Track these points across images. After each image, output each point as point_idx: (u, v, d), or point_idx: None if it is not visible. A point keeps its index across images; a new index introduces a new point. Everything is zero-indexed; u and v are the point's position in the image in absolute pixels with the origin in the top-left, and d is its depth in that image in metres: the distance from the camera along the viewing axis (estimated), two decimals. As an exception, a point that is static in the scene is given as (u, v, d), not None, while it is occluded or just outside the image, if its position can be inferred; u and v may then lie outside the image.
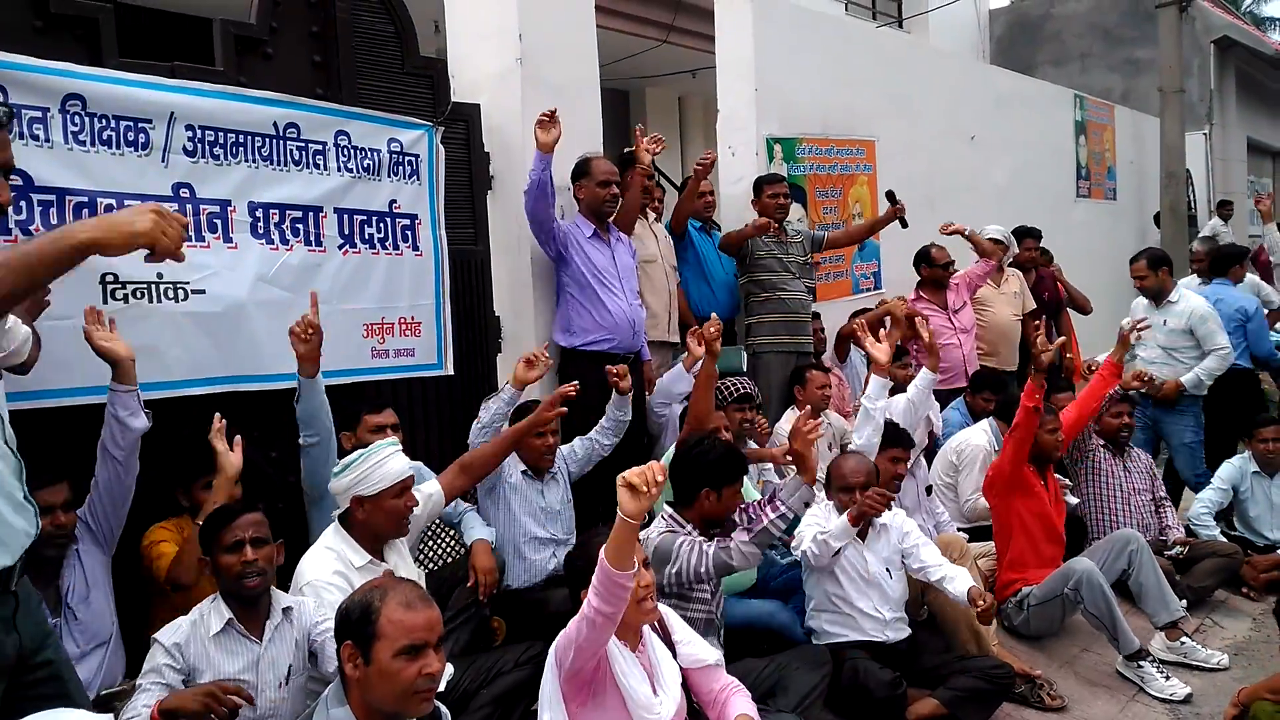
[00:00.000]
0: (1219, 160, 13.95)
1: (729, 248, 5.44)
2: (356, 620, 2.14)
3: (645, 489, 2.28)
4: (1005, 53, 15.10)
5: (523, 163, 4.50)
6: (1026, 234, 7.15)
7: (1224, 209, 12.91)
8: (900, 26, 13.34)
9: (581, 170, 4.53)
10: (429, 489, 3.22)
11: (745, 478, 3.57)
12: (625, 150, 5.11)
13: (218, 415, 3.14)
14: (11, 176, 2.15)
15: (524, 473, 3.84)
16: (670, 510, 3.41)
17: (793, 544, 3.66)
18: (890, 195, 5.80)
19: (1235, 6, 24.19)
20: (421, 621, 2.13)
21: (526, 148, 4.48)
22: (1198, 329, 5.82)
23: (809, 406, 4.41)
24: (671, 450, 3.66)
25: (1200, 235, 12.41)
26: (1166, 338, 5.86)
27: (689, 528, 3.33)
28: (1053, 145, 9.74)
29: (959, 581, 3.58)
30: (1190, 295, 6.04)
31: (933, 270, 6.21)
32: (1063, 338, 6.76)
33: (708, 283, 5.52)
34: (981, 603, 3.42)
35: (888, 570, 3.69)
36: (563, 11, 4.72)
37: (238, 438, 3.15)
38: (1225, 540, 5.25)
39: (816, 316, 5.77)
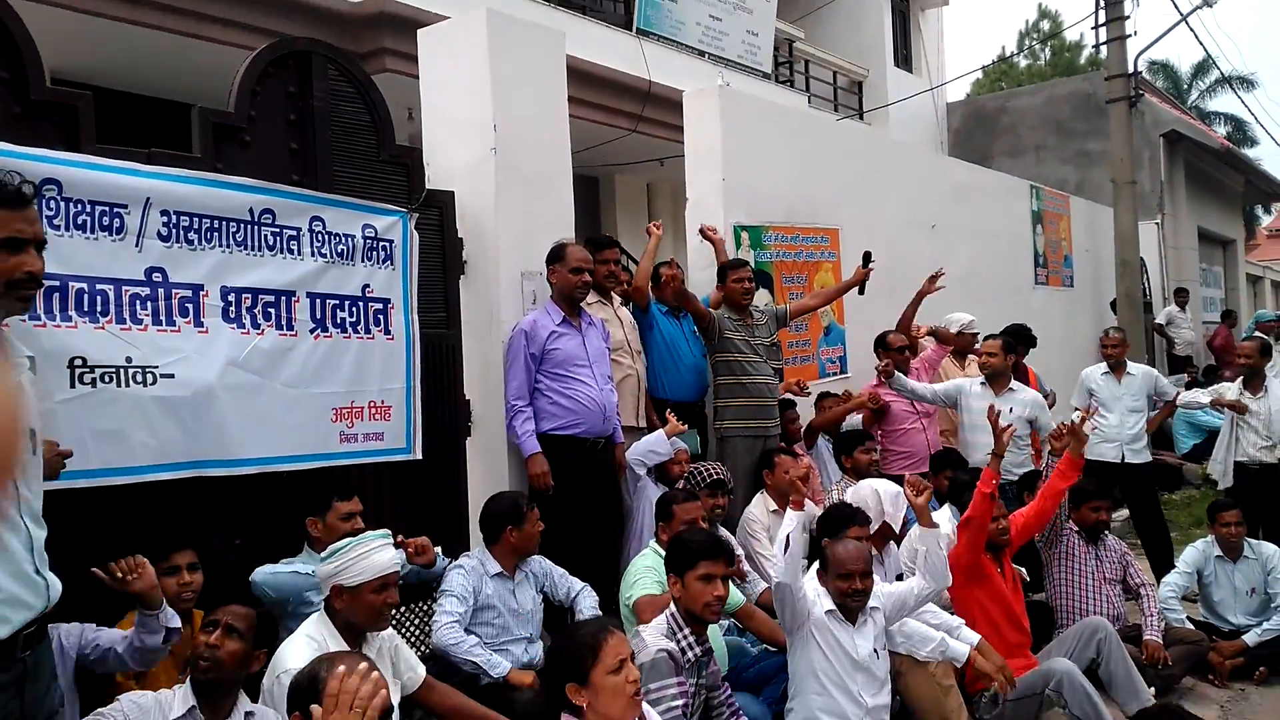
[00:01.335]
0: (1171, 249, 14.40)
1: (690, 310, 5.42)
2: (305, 691, 2.12)
3: None
4: (962, 144, 15.61)
5: (495, 247, 4.58)
6: (1025, 341, 7.05)
7: (1180, 296, 13.32)
8: (861, 119, 13.79)
9: (556, 255, 4.60)
10: (420, 670, 3.16)
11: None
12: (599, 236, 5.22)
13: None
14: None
15: (496, 575, 3.81)
16: (673, 608, 3.37)
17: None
18: (866, 256, 5.97)
19: (1182, 101, 25.27)
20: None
21: (499, 233, 4.57)
22: (1041, 417, 5.95)
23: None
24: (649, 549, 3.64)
25: (1155, 321, 12.78)
26: (1012, 425, 5.88)
27: (685, 630, 3.27)
28: (1011, 234, 10.02)
29: (958, 645, 3.68)
30: (1024, 387, 6.14)
31: (889, 354, 6.31)
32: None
33: (676, 366, 5.56)
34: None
35: (875, 651, 3.67)
36: (537, 104, 4.84)
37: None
38: (1192, 627, 5.28)
39: (792, 405, 5.83)
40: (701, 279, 5.99)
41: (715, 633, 3.91)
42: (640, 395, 5.22)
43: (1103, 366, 6.92)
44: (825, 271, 6.99)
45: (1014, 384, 6.08)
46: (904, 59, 15.24)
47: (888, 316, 6.70)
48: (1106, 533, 5.22)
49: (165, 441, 3.31)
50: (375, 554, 2.86)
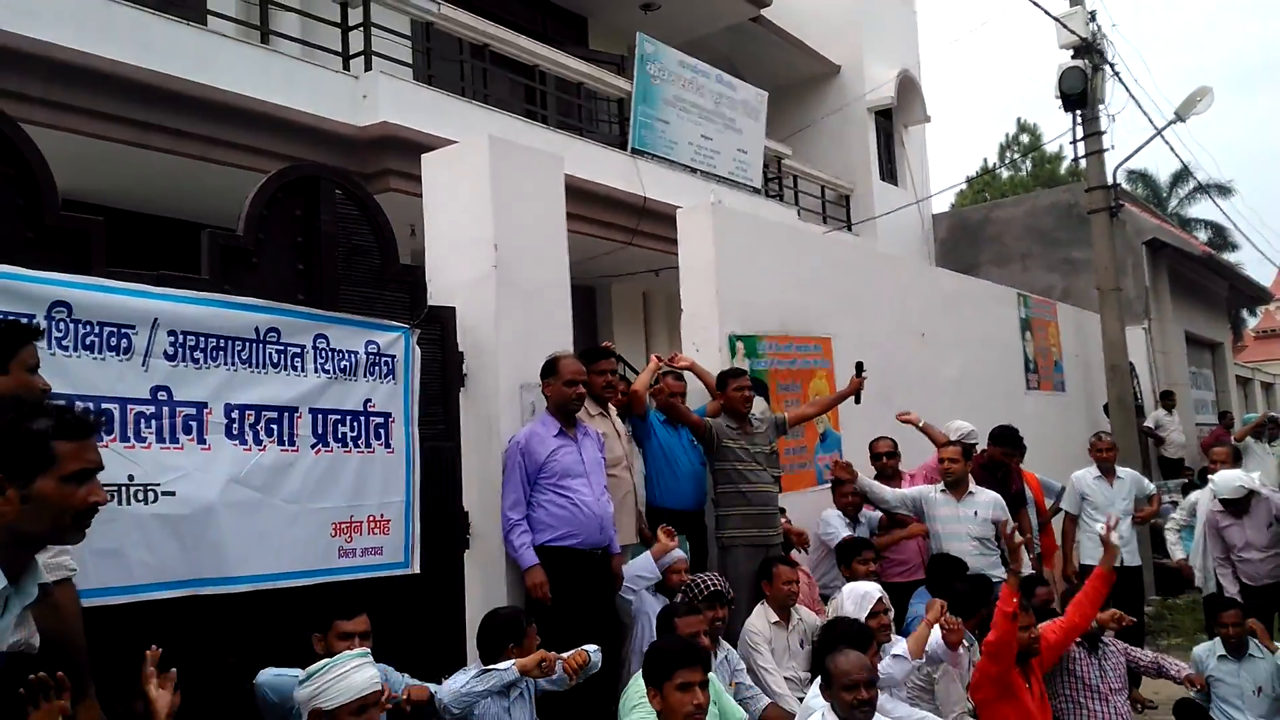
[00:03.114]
0: (1160, 353, 14.54)
1: (683, 422, 5.51)
2: None
3: None
4: (949, 254, 15.91)
5: (495, 361, 4.66)
6: (1001, 440, 6.81)
7: (1167, 400, 13.42)
8: (850, 230, 14.11)
9: (550, 369, 4.67)
10: None
11: (709, 675, 3.48)
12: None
13: (148, 652, 2.75)
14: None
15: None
16: None
17: None
18: (859, 366, 6.16)
19: (1162, 209, 25.90)
20: None
21: (499, 347, 4.65)
22: (1003, 517, 5.92)
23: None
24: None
25: (1145, 425, 12.83)
26: (980, 529, 5.84)
27: None
28: (1001, 341, 10.15)
29: None
30: (982, 490, 6.06)
31: (874, 462, 6.46)
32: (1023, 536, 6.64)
33: (673, 475, 5.57)
34: None
35: None
36: (536, 223, 4.99)
37: (172, 672, 2.74)
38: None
39: (782, 511, 5.81)
40: (699, 386, 6.06)
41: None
42: (640, 509, 5.21)
43: (1094, 470, 7.00)
44: (819, 379, 7.07)
45: (973, 488, 6.05)
46: (889, 173, 15.67)
47: (883, 423, 6.76)
48: (1104, 638, 5.17)
49: (163, 559, 3.31)
50: (352, 674, 2.79)
